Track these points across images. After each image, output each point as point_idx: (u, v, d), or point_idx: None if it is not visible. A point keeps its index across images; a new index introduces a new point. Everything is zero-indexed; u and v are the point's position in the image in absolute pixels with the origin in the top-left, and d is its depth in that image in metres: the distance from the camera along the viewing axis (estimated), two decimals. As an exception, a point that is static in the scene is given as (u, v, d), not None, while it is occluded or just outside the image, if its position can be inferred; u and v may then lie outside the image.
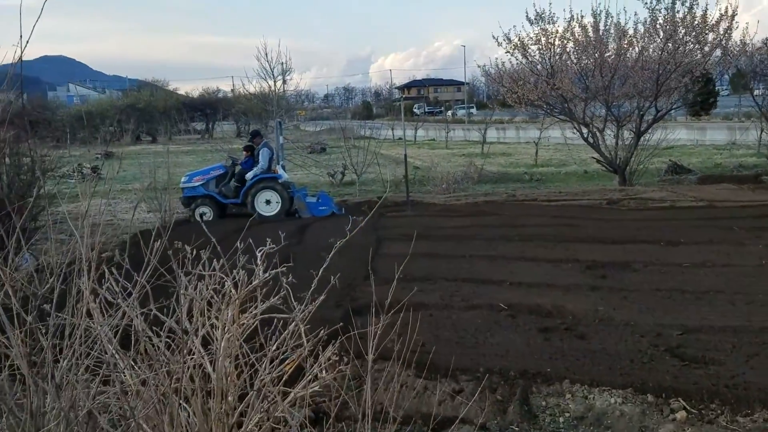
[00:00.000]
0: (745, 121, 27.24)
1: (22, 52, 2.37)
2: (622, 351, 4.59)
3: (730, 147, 23.63)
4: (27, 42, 2.34)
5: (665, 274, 6.69)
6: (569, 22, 14.00)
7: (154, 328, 2.66)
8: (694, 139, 27.04)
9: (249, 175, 11.77)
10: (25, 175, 7.31)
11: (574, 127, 15.06)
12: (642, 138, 14.50)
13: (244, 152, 12.29)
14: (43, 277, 2.44)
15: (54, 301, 2.33)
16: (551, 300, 5.82)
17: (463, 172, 16.60)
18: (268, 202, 11.73)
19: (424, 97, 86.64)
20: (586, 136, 14.79)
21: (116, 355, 2.55)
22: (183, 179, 11.97)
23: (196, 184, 11.69)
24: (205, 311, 2.72)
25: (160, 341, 2.63)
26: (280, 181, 11.86)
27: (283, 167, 12.49)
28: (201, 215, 11.51)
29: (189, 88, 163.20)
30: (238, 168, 12.07)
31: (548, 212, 11.00)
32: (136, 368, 2.59)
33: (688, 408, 3.79)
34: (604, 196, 12.67)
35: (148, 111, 46.94)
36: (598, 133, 14.70)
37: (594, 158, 15.49)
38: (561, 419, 3.89)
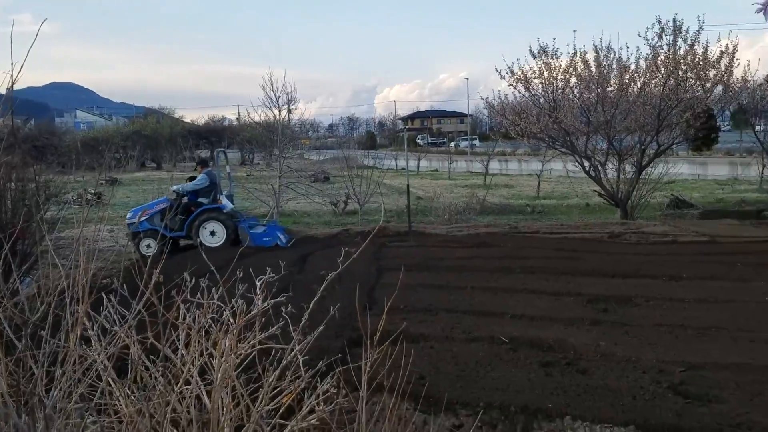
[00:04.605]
0: (746, 156, 27.38)
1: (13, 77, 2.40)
2: (624, 387, 4.53)
3: (732, 182, 23.72)
4: (21, 67, 2.36)
5: (667, 309, 6.64)
6: (572, 57, 14.16)
7: (151, 356, 2.63)
8: (696, 174, 27.16)
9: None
10: (29, 200, 7.32)
11: (576, 160, 15.12)
12: (644, 172, 14.54)
13: (188, 182, 12.27)
14: (38, 303, 2.42)
15: (48, 326, 2.31)
16: (553, 334, 5.77)
17: (465, 203, 16.59)
18: (213, 233, 11.67)
19: (427, 128, 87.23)
20: (587, 169, 14.85)
21: (111, 384, 2.52)
22: (128, 215, 11.93)
23: (142, 219, 11.61)
24: (203, 340, 2.70)
25: (156, 370, 2.61)
26: (224, 211, 11.79)
27: (230, 197, 12.41)
28: (146, 246, 11.40)
29: (195, 116, 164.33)
30: (184, 200, 11.98)
31: (550, 245, 10.97)
32: (132, 397, 2.56)
33: (692, 447, 3.73)
34: (605, 229, 12.63)
35: (154, 138, 47.29)
36: (599, 167, 14.76)
37: (596, 191, 15.53)
38: (562, 456, 3.82)
